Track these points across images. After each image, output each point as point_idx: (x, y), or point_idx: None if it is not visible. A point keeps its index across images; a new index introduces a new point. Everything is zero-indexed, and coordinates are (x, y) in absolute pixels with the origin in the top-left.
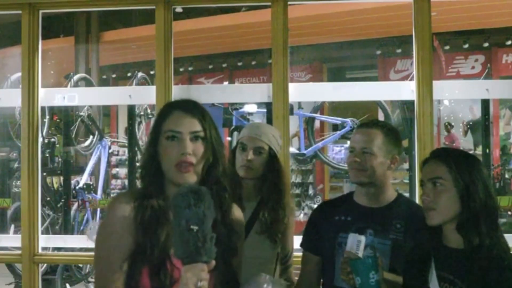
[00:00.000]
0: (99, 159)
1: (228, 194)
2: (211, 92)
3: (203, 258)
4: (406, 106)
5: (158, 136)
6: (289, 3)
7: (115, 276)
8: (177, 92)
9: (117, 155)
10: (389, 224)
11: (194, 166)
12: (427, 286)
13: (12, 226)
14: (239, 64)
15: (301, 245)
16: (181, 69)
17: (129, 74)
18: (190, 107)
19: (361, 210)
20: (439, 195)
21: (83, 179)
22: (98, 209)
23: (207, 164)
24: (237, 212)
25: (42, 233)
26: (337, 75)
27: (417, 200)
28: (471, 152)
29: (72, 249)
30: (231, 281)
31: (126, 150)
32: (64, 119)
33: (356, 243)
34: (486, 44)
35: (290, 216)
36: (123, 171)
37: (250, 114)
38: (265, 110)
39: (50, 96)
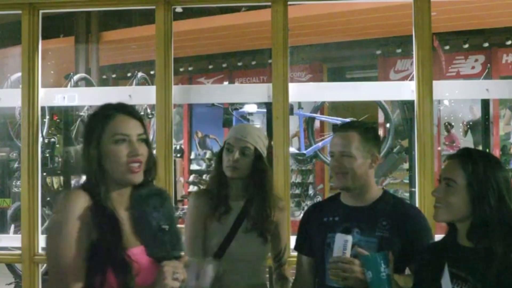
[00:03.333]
0: None
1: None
2: (211, 92)
3: (177, 253)
4: (406, 106)
5: (101, 139)
6: (289, 3)
7: (76, 276)
8: (177, 92)
9: None
10: (375, 222)
11: (142, 167)
12: (439, 283)
13: (12, 226)
14: (239, 64)
15: (295, 247)
16: (181, 69)
17: (129, 74)
18: (132, 110)
19: (348, 210)
20: (449, 195)
21: (83, 179)
22: None
23: (148, 165)
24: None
25: (42, 233)
26: (337, 75)
27: (417, 199)
28: None
29: None
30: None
31: None
32: (64, 119)
33: (343, 243)
34: (486, 44)
35: (279, 214)
36: None
37: (250, 114)
38: (265, 110)
39: (50, 96)
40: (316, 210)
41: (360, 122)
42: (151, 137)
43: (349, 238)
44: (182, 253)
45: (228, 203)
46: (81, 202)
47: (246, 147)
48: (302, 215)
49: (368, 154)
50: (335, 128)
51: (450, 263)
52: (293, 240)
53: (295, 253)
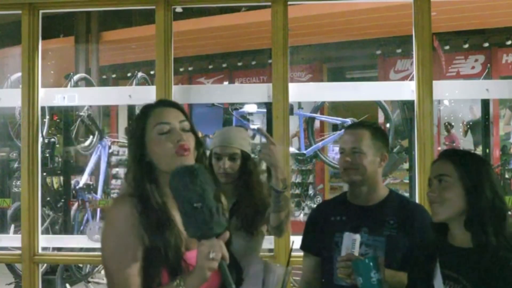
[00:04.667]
0: (99, 159)
1: (214, 176)
2: (211, 92)
3: (215, 231)
4: (406, 106)
5: (145, 133)
6: (289, 3)
7: (132, 279)
8: (177, 92)
9: (117, 155)
10: (382, 221)
11: (190, 152)
12: (431, 284)
13: (12, 226)
14: (239, 64)
15: (301, 246)
16: (181, 69)
17: (129, 74)
18: (171, 102)
19: (355, 209)
20: (444, 191)
21: (83, 179)
22: (98, 209)
23: (197, 153)
24: (223, 200)
25: (42, 233)
26: (337, 75)
27: (417, 200)
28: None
29: (72, 249)
30: (232, 265)
31: (126, 150)
32: (64, 119)
33: (352, 242)
34: (486, 44)
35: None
36: (123, 171)
37: (250, 114)
38: (265, 110)
39: (50, 96)
40: (323, 209)
41: (370, 121)
42: None
43: (357, 237)
44: (220, 230)
45: None
46: (126, 208)
47: (234, 153)
48: (309, 214)
49: (377, 153)
50: (345, 126)
51: (442, 263)
52: (294, 239)
53: (298, 253)
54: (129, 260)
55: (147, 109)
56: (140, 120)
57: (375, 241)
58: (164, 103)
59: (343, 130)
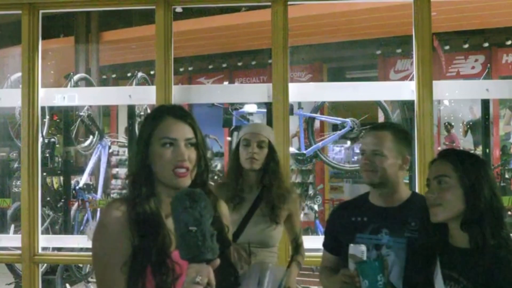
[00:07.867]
0: (99, 159)
1: (213, 195)
2: (211, 92)
3: (206, 256)
4: (406, 106)
5: (150, 141)
6: (289, 3)
7: (117, 279)
8: (177, 92)
9: (117, 155)
10: (403, 223)
11: (189, 171)
12: (432, 284)
13: (12, 226)
14: (239, 64)
15: (323, 244)
16: (181, 69)
17: (129, 74)
18: (182, 113)
19: (376, 210)
20: (444, 192)
21: (83, 179)
22: (98, 209)
23: (198, 169)
24: (223, 208)
25: (42, 233)
26: (337, 75)
27: None
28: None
29: (72, 249)
30: (229, 268)
31: (126, 150)
32: (64, 119)
33: (360, 254)
34: (486, 44)
35: (292, 204)
36: (123, 171)
37: (250, 114)
38: (265, 110)
39: (50, 96)
40: (344, 210)
41: (393, 123)
42: None
43: (363, 248)
44: (211, 256)
45: (243, 195)
46: (117, 210)
47: (262, 141)
48: (330, 213)
49: (399, 155)
50: (370, 128)
51: (443, 264)
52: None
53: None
54: (116, 262)
55: (158, 114)
56: (148, 127)
57: (396, 242)
58: (175, 113)
59: (343, 130)
